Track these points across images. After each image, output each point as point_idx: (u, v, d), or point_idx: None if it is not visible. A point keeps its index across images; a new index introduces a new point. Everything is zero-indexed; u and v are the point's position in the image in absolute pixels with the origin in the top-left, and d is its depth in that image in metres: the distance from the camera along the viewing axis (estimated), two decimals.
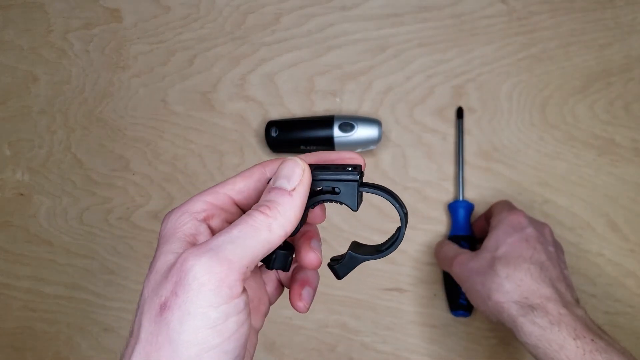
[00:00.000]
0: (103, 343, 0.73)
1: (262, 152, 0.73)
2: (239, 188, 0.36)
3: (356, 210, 0.36)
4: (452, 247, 0.64)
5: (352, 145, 0.69)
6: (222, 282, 0.29)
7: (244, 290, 0.31)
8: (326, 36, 0.74)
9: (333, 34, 0.74)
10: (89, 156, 0.75)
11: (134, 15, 0.77)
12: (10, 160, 0.77)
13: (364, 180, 0.37)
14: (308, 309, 0.39)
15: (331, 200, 0.36)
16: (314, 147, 0.70)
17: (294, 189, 0.34)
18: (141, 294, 0.32)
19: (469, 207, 0.68)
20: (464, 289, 0.59)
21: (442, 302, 0.69)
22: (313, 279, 0.40)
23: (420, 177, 0.71)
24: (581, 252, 0.68)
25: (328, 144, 0.69)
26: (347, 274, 0.38)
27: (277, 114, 0.73)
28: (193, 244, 0.33)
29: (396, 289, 0.70)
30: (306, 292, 0.39)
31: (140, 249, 0.73)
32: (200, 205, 0.34)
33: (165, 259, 0.32)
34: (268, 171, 0.36)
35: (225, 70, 0.75)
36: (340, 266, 0.38)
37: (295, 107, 0.73)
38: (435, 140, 0.71)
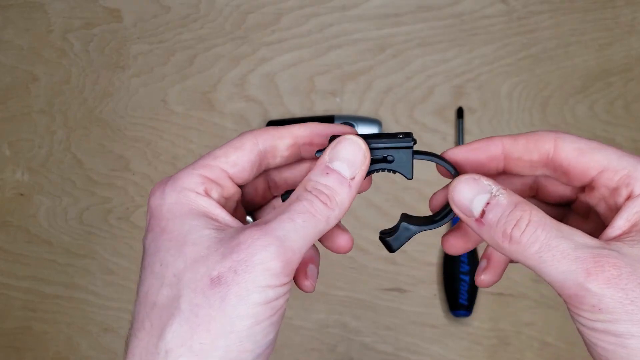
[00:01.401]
0: (103, 343, 0.73)
1: None
2: (233, 161, 0.34)
3: (411, 178, 0.34)
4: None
5: None
6: (284, 269, 0.30)
7: None
8: (326, 36, 0.74)
9: (333, 34, 0.74)
10: (89, 156, 0.75)
11: (134, 15, 0.77)
12: (10, 160, 0.77)
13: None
14: (314, 287, 0.38)
15: (384, 170, 0.35)
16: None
17: (353, 178, 0.32)
18: (160, 262, 0.31)
19: None
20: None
21: (442, 302, 0.69)
22: (316, 256, 0.39)
23: (420, 177, 0.70)
24: None
25: None
26: (401, 246, 0.36)
27: (277, 114, 0.73)
28: (216, 220, 0.32)
29: (396, 289, 0.70)
30: (311, 270, 0.38)
31: (140, 249, 0.73)
32: (196, 180, 0.33)
33: (200, 233, 0.31)
34: (260, 143, 0.34)
35: (225, 70, 0.75)
36: (393, 239, 0.36)
37: (295, 107, 0.73)
38: (435, 140, 0.71)
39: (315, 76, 0.74)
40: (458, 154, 0.35)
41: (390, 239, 0.36)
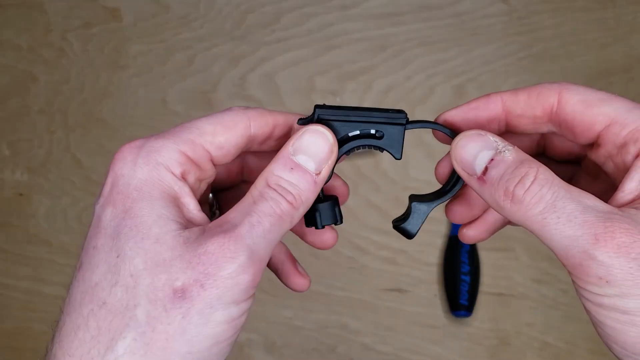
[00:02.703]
0: None
1: None
2: (220, 142, 0.30)
3: (399, 159, 0.32)
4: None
5: None
6: (252, 282, 0.27)
7: None
8: (326, 36, 0.74)
9: (333, 34, 0.74)
10: (89, 156, 0.75)
11: (134, 14, 0.76)
12: (10, 160, 0.76)
13: None
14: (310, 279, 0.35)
15: (370, 147, 0.32)
16: None
17: (319, 173, 0.30)
18: (116, 252, 0.28)
19: None
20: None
21: (442, 303, 0.69)
22: (288, 251, 0.36)
23: (420, 177, 0.71)
24: None
25: None
26: (419, 228, 0.33)
27: None
28: (181, 211, 0.29)
29: (396, 289, 0.70)
30: (300, 266, 0.35)
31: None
32: (176, 157, 0.29)
33: (166, 227, 0.28)
34: (253, 126, 0.31)
35: (225, 69, 0.75)
36: (409, 223, 0.33)
37: (295, 107, 0.73)
38: (435, 140, 0.71)
39: (315, 76, 0.73)
40: (455, 117, 0.32)
41: (405, 224, 0.33)
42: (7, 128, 0.77)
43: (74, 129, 0.76)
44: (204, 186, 0.32)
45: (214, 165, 0.31)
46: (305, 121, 0.31)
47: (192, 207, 0.29)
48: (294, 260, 0.36)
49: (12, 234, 0.75)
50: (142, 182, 0.29)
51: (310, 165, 0.29)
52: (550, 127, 0.31)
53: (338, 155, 0.31)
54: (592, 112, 0.29)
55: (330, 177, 0.31)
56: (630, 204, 0.27)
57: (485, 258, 0.69)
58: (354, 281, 0.70)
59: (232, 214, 0.29)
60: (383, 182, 0.70)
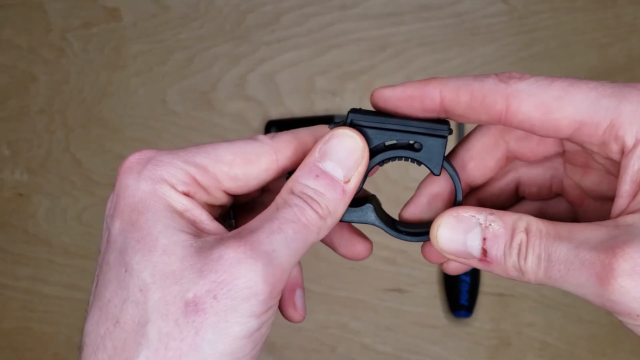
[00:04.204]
0: None
1: None
2: (235, 174, 0.28)
3: (438, 174, 0.29)
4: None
5: None
6: (272, 293, 0.25)
7: None
8: (326, 35, 0.74)
9: (333, 33, 0.74)
10: (88, 156, 0.75)
11: (133, 14, 0.76)
12: (9, 160, 0.76)
13: None
14: (304, 317, 0.32)
15: (407, 159, 0.29)
16: None
17: (348, 181, 0.27)
18: (124, 267, 0.26)
19: None
20: None
21: (442, 303, 0.69)
22: (300, 277, 0.33)
23: (421, 177, 0.70)
24: None
25: None
26: (350, 222, 0.31)
27: (277, 114, 0.73)
28: (193, 224, 0.27)
29: (397, 289, 0.70)
30: (298, 296, 0.32)
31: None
32: (182, 177, 0.27)
33: (174, 238, 0.26)
34: (281, 160, 0.28)
35: (224, 69, 0.74)
36: (352, 210, 0.30)
37: (295, 107, 0.73)
38: None
39: (315, 76, 0.73)
40: (389, 98, 0.28)
41: (350, 208, 0.29)
42: (6, 128, 0.77)
43: (73, 129, 0.76)
44: (218, 210, 0.30)
45: (229, 194, 0.29)
46: (337, 126, 0.29)
47: (204, 218, 0.28)
48: (291, 289, 0.32)
49: (12, 234, 0.75)
50: (146, 195, 0.27)
51: (338, 173, 0.27)
52: (499, 125, 0.28)
53: (370, 166, 0.29)
54: (552, 117, 0.26)
55: (362, 187, 0.29)
56: (629, 208, 0.25)
57: None
58: (354, 281, 0.70)
59: (252, 222, 0.27)
60: (384, 182, 0.70)
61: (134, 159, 0.29)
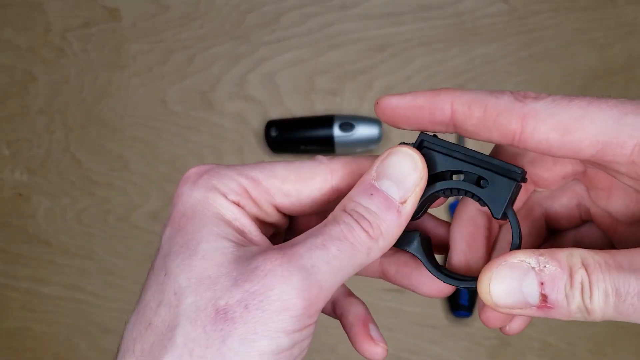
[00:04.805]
0: (102, 344, 0.72)
1: (262, 152, 0.73)
2: (288, 190, 0.28)
3: (499, 218, 0.27)
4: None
5: (353, 145, 0.69)
6: (306, 311, 0.25)
7: None
8: (326, 35, 0.74)
9: (333, 33, 0.74)
10: (88, 156, 0.75)
11: (133, 14, 0.76)
12: (9, 160, 0.76)
13: None
14: (386, 346, 0.31)
15: (469, 193, 0.27)
16: (314, 147, 0.70)
17: (404, 202, 0.26)
18: (164, 270, 0.26)
19: None
20: None
21: (442, 303, 0.69)
22: (365, 312, 0.31)
23: None
24: None
25: (328, 143, 0.69)
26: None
27: (277, 114, 0.73)
28: (240, 233, 0.27)
29: (397, 289, 0.70)
30: (374, 330, 0.31)
31: (139, 249, 0.73)
32: (234, 187, 0.27)
33: (216, 244, 0.25)
34: (335, 180, 0.28)
35: (224, 69, 0.74)
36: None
37: (295, 107, 0.73)
38: None
39: (315, 76, 0.73)
40: (396, 107, 0.27)
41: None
42: (6, 128, 0.77)
43: (73, 129, 0.76)
44: (270, 230, 0.29)
45: (282, 213, 0.29)
46: (404, 145, 0.27)
47: (252, 229, 0.27)
48: (366, 323, 0.31)
49: (11, 234, 0.75)
50: (197, 201, 0.27)
51: (394, 192, 0.26)
52: (511, 146, 0.26)
53: (430, 192, 0.27)
54: (573, 138, 0.24)
55: (421, 213, 0.28)
56: None
57: None
58: (355, 281, 0.70)
59: (298, 237, 0.26)
60: None
61: (192, 170, 0.28)
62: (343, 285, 0.31)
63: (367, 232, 0.26)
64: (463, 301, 0.66)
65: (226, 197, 0.27)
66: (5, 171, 0.76)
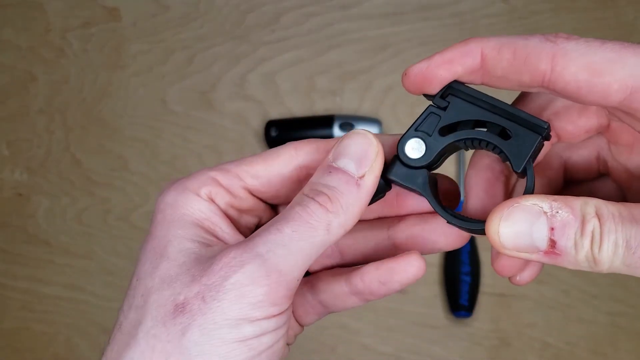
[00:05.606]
0: (102, 344, 0.72)
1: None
2: (256, 172, 0.28)
3: (518, 172, 0.26)
4: None
5: None
6: (267, 297, 0.24)
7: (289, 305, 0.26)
8: (326, 35, 0.74)
9: (333, 33, 0.74)
10: (88, 156, 0.75)
11: (133, 14, 0.76)
12: (9, 160, 0.76)
13: None
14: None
15: (490, 144, 0.26)
16: None
17: (362, 177, 0.26)
18: (137, 276, 0.27)
19: None
20: None
21: (443, 303, 0.69)
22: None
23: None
24: None
25: None
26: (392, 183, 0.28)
27: (277, 114, 0.73)
28: (210, 232, 0.27)
29: None
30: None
31: (139, 249, 0.73)
32: (203, 181, 0.28)
33: (180, 246, 0.26)
34: (301, 155, 0.28)
35: (224, 69, 0.74)
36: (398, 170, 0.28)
37: (295, 107, 0.73)
38: None
39: (315, 75, 0.73)
40: (425, 71, 0.27)
41: (404, 167, 0.28)
42: (6, 128, 0.77)
43: (73, 129, 0.76)
44: (251, 220, 0.30)
45: (259, 198, 0.29)
46: (431, 96, 0.27)
47: (223, 226, 0.28)
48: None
49: (11, 234, 0.75)
50: (167, 206, 0.28)
51: (351, 168, 0.26)
52: (542, 90, 0.25)
53: (449, 140, 0.27)
54: (603, 81, 0.23)
55: (438, 163, 0.27)
56: None
57: (486, 258, 0.69)
58: None
59: (258, 230, 0.26)
60: None
61: (170, 182, 0.29)
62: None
63: (324, 206, 0.25)
64: (463, 301, 0.66)
65: (197, 194, 0.27)
66: (5, 171, 0.76)
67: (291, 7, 0.74)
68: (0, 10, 0.79)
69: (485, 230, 0.25)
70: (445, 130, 0.27)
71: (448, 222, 0.28)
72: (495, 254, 0.29)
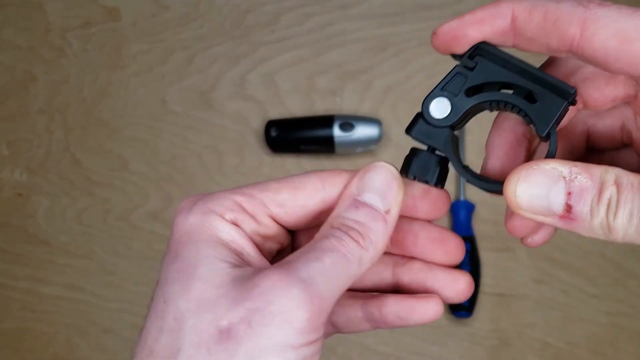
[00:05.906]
0: (102, 344, 0.72)
1: (261, 152, 0.73)
2: (282, 200, 0.28)
3: (543, 135, 0.26)
4: None
5: (353, 145, 0.69)
6: (310, 322, 0.24)
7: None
8: (326, 35, 0.74)
9: (333, 33, 0.74)
10: (88, 156, 0.75)
11: (133, 14, 0.76)
12: (9, 160, 0.76)
13: None
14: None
15: (515, 107, 0.27)
16: (314, 147, 0.70)
17: (388, 212, 0.27)
18: (163, 297, 0.26)
19: (470, 207, 0.68)
20: None
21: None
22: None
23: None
24: (583, 252, 0.68)
25: (328, 143, 0.69)
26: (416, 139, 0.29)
27: (276, 114, 0.73)
28: (238, 254, 0.27)
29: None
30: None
31: (139, 249, 0.73)
32: (228, 204, 0.27)
33: (212, 266, 0.25)
34: (327, 186, 0.28)
35: (224, 69, 0.74)
36: (425, 128, 0.28)
37: (295, 107, 0.73)
38: None
39: (315, 75, 0.73)
40: (455, 29, 0.27)
41: (427, 124, 0.28)
42: (6, 128, 0.77)
43: (73, 129, 0.76)
44: (273, 246, 0.30)
45: (282, 225, 0.29)
46: (459, 56, 0.27)
47: (250, 250, 0.27)
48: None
49: (11, 234, 0.75)
50: (192, 227, 0.27)
51: (378, 203, 0.27)
52: (570, 55, 0.25)
53: (475, 102, 0.27)
54: (632, 49, 0.23)
55: (463, 123, 0.28)
56: None
57: (486, 258, 0.69)
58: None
59: (291, 255, 0.26)
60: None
61: (186, 201, 0.28)
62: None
63: (357, 242, 0.26)
64: (463, 301, 0.66)
65: (223, 218, 0.27)
66: (5, 171, 0.76)
67: (291, 7, 0.74)
68: (0, 10, 0.79)
69: (503, 189, 0.25)
70: (471, 91, 0.28)
71: (467, 181, 0.28)
72: (510, 213, 0.29)
